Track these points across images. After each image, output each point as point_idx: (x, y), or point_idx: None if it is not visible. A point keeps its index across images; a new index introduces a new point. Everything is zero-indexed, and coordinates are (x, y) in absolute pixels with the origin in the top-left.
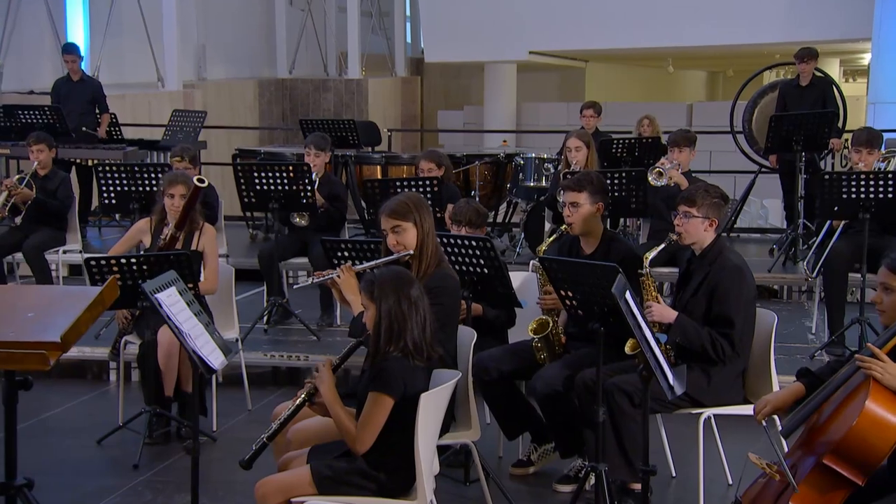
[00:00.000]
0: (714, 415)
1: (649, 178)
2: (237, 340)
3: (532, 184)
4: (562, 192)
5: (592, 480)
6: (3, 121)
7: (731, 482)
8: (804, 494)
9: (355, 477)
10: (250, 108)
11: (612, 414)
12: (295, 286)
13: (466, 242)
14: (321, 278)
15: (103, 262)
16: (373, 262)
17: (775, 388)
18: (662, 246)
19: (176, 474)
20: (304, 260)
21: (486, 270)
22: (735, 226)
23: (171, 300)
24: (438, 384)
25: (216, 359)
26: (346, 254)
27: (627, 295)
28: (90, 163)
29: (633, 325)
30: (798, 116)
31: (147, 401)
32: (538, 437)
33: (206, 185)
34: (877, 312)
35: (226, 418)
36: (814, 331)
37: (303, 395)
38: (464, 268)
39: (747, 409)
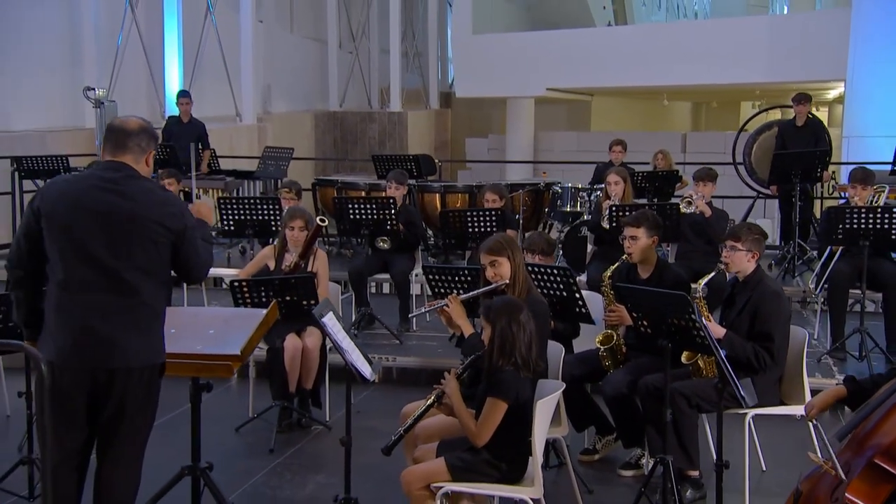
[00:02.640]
0: (755, 414)
1: (680, 208)
2: None
3: (568, 209)
4: (621, 226)
5: (650, 467)
6: None
7: (764, 469)
8: (857, 487)
9: (482, 466)
10: (307, 137)
11: (672, 413)
12: (410, 315)
13: (549, 270)
14: (433, 307)
15: (244, 283)
16: (474, 292)
17: (807, 391)
18: (713, 274)
19: (305, 457)
20: (386, 276)
21: (564, 294)
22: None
23: (332, 322)
24: (544, 393)
25: (366, 370)
26: (444, 277)
27: (704, 321)
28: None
29: (714, 348)
30: (797, 154)
31: (274, 397)
32: (602, 430)
33: (326, 223)
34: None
35: (334, 410)
36: (815, 337)
37: (432, 398)
38: (546, 291)
39: (783, 410)
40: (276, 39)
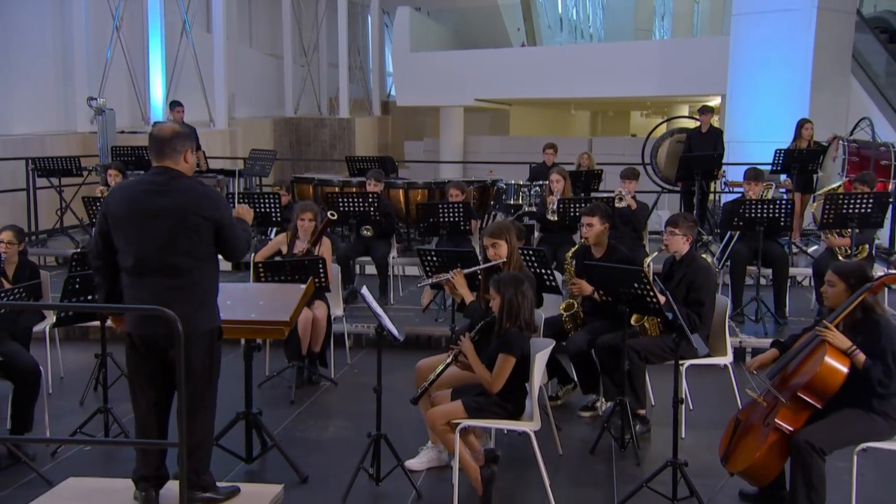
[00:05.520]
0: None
1: (615, 202)
2: (342, 317)
3: (511, 202)
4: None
5: (605, 407)
6: (126, 157)
7: (692, 408)
8: (784, 413)
9: (492, 406)
10: (267, 140)
11: (627, 364)
12: (419, 285)
13: (525, 251)
14: (438, 279)
15: (266, 264)
16: (476, 268)
17: (728, 347)
18: (656, 253)
19: (321, 408)
20: (368, 258)
21: (539, 270)
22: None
23: (367, 293)
24: (539, 348)
25: (395, 331)
26: (433, 258)
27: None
28: None
29: (673, 310)
30: (697, 157)
31: (289, 358)
32: (562, 380)
33: (336, 217)
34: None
35: (336, 370)
36: None
37: (451, 356)
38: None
39: (711, 360)
40: (239, 54)
